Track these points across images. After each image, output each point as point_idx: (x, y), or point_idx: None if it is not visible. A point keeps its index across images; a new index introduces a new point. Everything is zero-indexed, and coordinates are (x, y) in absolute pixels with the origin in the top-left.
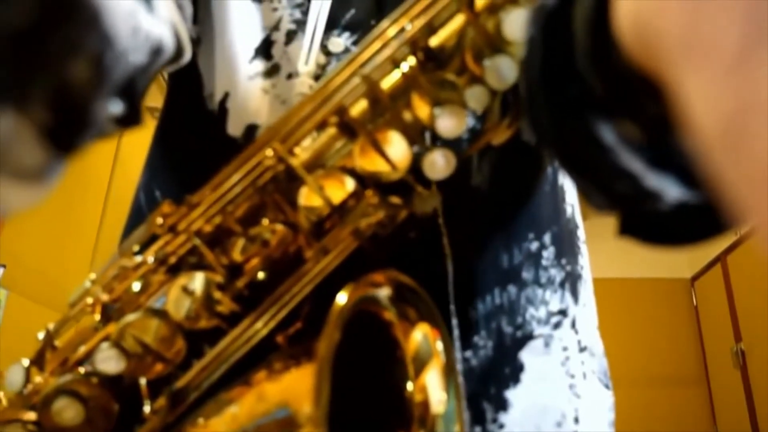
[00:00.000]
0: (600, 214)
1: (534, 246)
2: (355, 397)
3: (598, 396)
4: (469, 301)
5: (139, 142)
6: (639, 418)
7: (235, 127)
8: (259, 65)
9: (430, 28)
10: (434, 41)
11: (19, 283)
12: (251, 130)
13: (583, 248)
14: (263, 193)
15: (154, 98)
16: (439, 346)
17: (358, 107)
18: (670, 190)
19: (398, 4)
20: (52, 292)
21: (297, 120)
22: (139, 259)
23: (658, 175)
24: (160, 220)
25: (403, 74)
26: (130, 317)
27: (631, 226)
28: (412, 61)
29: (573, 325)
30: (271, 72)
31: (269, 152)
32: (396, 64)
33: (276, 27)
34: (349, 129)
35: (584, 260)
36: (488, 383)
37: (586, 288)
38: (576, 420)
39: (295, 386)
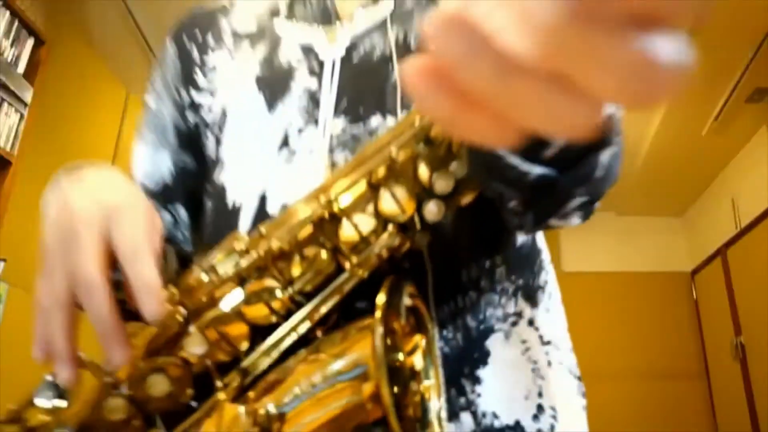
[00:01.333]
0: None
1: (487, 264)
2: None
3: (565, 381)
4: (439, 304)
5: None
6: (638, 411)
7: (272, 207)
8: (284, 154)
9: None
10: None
11: (19, 278)
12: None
13: (548, 268)
14: (317, 227)
15: None
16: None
17: (380, 172)
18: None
19: (377, 96)
20: None
21: (334, 181)
22: (219, 269)
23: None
24: (239, 244)
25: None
26: (213, 312)
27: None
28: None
29: (531, 323)
30: (290, 156)
31: (322, 199)
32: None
33: (290, 124)
34: (374, 187)
35: (548, 276)
36: (462, 365)
37: (551, 298)
38: (540, 395)
39: (358, 351)
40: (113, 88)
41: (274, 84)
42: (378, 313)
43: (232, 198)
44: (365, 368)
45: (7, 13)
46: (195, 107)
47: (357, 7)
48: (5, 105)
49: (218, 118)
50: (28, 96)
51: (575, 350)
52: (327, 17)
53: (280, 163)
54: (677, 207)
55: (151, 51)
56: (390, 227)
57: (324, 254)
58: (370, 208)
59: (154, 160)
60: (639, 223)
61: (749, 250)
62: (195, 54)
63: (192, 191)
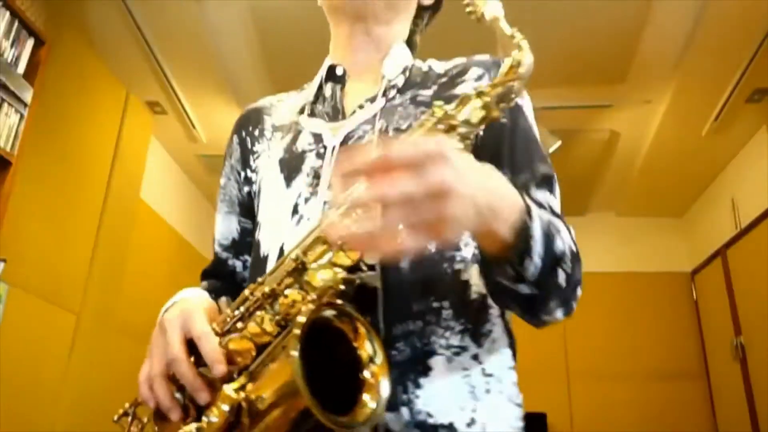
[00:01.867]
0: (599, 211)
1: (435, 304)
2: (328, 358)
3: (503, 407)
4: (392, 324)
5: (138, 141)
6: (638, 411)
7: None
8: (295, 218)
9: None
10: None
11: (19, 278)
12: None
13: (497, 321)
14: (293, 275)
15: (155, 93)
16: (368, 336)
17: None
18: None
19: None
20: (52, 287)
21: (308, 243)
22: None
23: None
24: (248, 293)
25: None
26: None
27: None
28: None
29: (475, 358)
30: (299, 219)
31: (293, 256)
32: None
33: (299, 196)
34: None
35: (495, 328)
36: (408, 371)
37: (495, 344)
38: (474, 411)
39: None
40: (113, 89)
41: (291, 165)
42: (296, 332)
43: (263, 250)
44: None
45: (7, 13)
46: (249, 182)
47: (357, 105)
48: (5, 105)
49: (258, 190)
50: (28, 96)
51: (575, 350)
52: (336, 114)
53: (293, 225)
54: (677, 207)
55: (151, 51)
56: (341, 271)
57: (296, 292)
58: (327, 258)
59: (226, 224)
60: (639, 224)
61: (749, 251)
62: (248, 144)
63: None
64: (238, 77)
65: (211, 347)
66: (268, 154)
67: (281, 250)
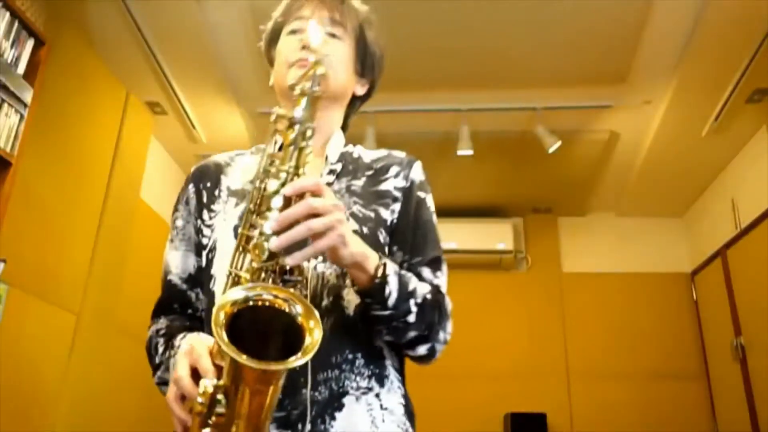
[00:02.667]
0: (599, 211)
1: (350, 355)
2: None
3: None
4: (316, 372)
5: (138, 142)
6: (639, 411)
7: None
8: None
9: None
10: None
11: (19, 278)
12: None
13: (391, 368)
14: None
15: (155, 93)
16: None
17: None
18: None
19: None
20: (52, 287)
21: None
22: None
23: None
24: None
25: None
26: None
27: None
28: None
29: (377, 396)
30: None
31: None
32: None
33: None
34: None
35: (391, 372)
36: (326, 408)
37: (393, 384)
38: None
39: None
40: (113, 89)
41: None
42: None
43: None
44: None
45: (7, 13)
46: (201, 232)
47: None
48: (5, 106)
49: (211, 246)
50: (28, 97)
51: (575, 350)
52: None
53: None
54: (677, 208)
55: (151, 51)
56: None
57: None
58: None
59: (184, 261)
60: (639, 224)
61: (749, 251)
62: (204, 199)
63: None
64: (238, 77)
65: (205, 361)
66: (224, 216)
67: None
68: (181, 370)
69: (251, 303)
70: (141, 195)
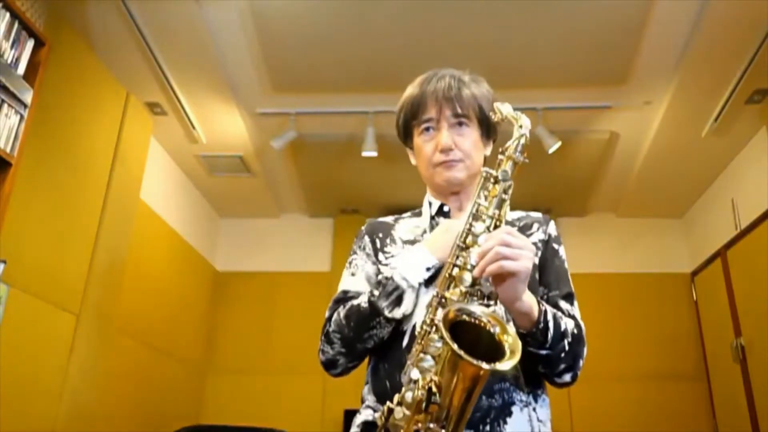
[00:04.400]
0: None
1: (516, 373)
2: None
3: None
4: (493, 383)
5: (138, 142)
6: (639, 411)
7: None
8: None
9: None
10: None
11: (19, 279)
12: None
13: (543, 389)
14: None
15: (155, 94)
16: (498, 323)
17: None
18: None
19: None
20: (52, 288)
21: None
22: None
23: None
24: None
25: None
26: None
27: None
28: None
29: (534, 410)
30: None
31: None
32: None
33: (437, 294)
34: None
35: (543, 390)
36: (499, 414)
37: (544, 401)
38: None
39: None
40: (113, 90)
41: None
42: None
43: (402, 327)
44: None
45: (7, 14)
46: (379, 271)
47: None
48: (5, 106)
49: None
50: (28, 97)
51: None
52: None
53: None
54: (677, 208)
55: (151, 52)
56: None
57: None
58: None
59: (357, 285)
60: (639, 225)
61: (749, 251)
62: (378, 245)
63: None
64: (238, 77)
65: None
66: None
67: (413, 328)
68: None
69: (466, 316)
70: (141, 195)
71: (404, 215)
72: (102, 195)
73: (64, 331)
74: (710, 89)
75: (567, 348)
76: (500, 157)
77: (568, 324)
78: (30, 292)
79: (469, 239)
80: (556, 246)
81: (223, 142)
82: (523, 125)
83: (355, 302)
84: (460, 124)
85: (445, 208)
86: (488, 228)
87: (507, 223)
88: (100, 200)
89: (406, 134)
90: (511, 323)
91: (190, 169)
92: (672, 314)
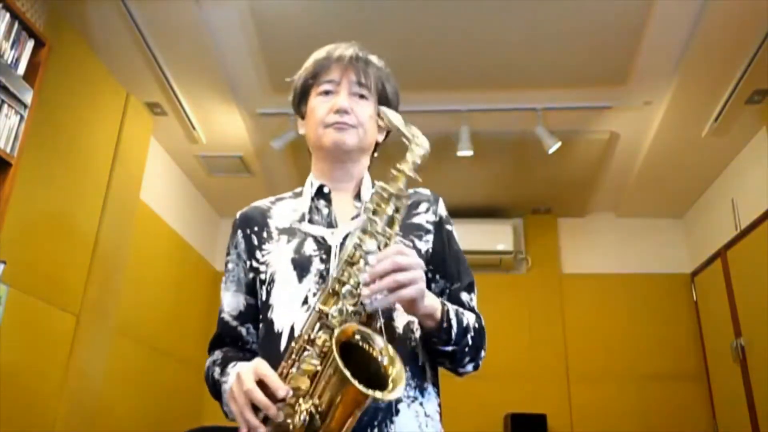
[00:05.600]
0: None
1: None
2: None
3: None
4: None
5: (138, 142)
6: (639, 413)
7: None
8: (305, 307)
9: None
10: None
11: (19, 280)
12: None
13: (430, 381)
14: (320, 324)
15: (155, 94)
16: (384, 348)
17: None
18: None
19: None
20: (52, 288)
21: (322, 298)
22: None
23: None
24: (292, 345)
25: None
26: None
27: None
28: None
29: (421, 405)
30: (308, 308)
31: (317, 309)
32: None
33: (309, 290)
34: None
35: (429, 385)
36: (387, 414)
37: (430, 394)
38: None
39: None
40: (113, 90)
41: (301, 265)
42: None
43: (277, 327)
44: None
45: (8, 15)
46: (256, 271)
47: (345, 221)
48: (5, 107)
49: (269, 280)
50: (28, 98)
51: (576, 351)
52: (329, 225)
53: (302, 312)
54: (677, 209)
55: (151, 52)
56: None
57: (325, 335)
58: (338, 308)
59: (235, 300)
60: (639, 225)
61: (749, 252)
62: (254, 241)
63: (255, 317)
64: (238, 78)
65: (274, 378)
66: (278, 253)
67: (292, 329)
68: (249, 383)
69: (356, 338)
70: (141, 196)
71: (285, 195)
72: (102, 195)
73: (64, 331)
74: (710, 89)
75: (470, 342)
76: (394, 172)
77: (470, 319)
78: (30, 293)
79: (357, 254)
80: (449, 228)
81: (223, 143)
82: (420, 145)
83: (215, 374)
84: (361, 96)
85: (325, 189)
86: (378, 247)
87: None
88: (100, 200)
89: (302, 97)
90: (399, 360)
91: (190, 170)
92: (672, 314)
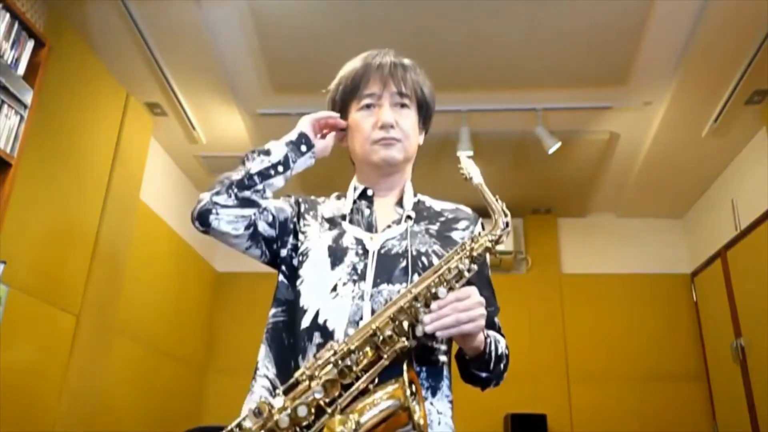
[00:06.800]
0: (599, 212)
1: (417, 368)
2: None
3: (447, 429)
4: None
5: (138, 143)
6: (639, 413)
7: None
8: (332, 294)
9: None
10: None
11: (19, 280)
12: (325, 322)
13: (445, 382)
14: (370, 340)
15: (155, 95)
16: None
17: (397, 314)
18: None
19: (390, 274)
20: (52, 289)
21: (377, 317)
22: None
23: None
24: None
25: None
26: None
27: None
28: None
29: (432, 404)
30: (336, 296)
31: (372, 326)
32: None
33: (339, 279)
34: (393, 320)
35: (444, 385)
36: None
37: (443, 394)
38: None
39: (391, 395)
40: (113, 90)
41: (336, 254)
42: (405, 374)
43: (302, 302)
44: (399, 401)
45: (8, 15)
46: (294, 232)
47: (386, 225)
48: (5, 107)
49: (302, 251)
50: (28, 98)
51: (575, 352)
52: (370, 227)
53: (330, 298)
54: (677, 209)
55: (151, 53)
56: (402, 339)
57: (371, 351)
58: (390, 329)
59: (279, 205)
60: (639, 225)
61: (749, 252)
62: (302, 210)
63: (268, 237)
64: (238, 78)
65: (329, 113)
66: (319, 234)
67: (317, 313)
68: (315, 114)
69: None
70: (141, 196)
71: (331, 196)
72: (102, 195)
73: (64, 332)
74: (710, 89)
75: (501, 369)
76: (481, 241)
77: (501, 346)
78: (30, 293)
79: (425, 294)
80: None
81: (223, 143)
82: (508, 222)
83: (235, 171)
84: (402, 105)
85: (369, 192)
86: (456, 278)
87: (435, 213)
88: (100, 200)
89: (342, 109)
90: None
91: (190, 170)
92: (672, 315)
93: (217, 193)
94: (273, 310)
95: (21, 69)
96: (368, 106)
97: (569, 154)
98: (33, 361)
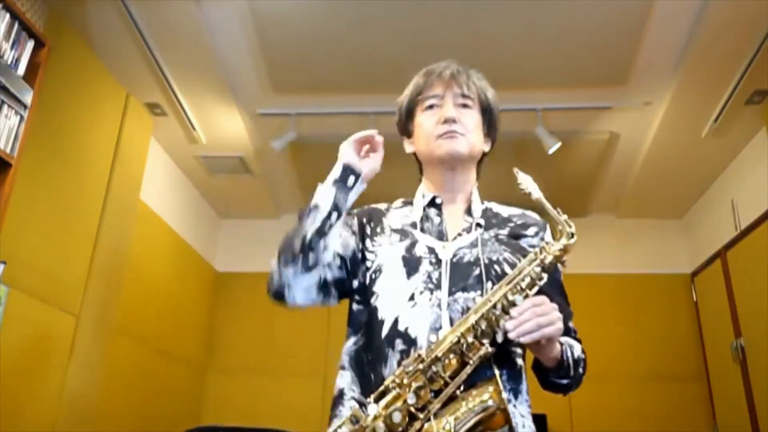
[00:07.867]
0: (599, 212)
1: (498, 371)
2: None
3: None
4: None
5: (138, 143)
6: (639, 413)
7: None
8: (411, 303)
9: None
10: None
11: (19, 280)
12: (407, 329)
13: (524, 384)
14: (454, 348)
15: (155, 95)
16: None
17: (479, 323)
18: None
19: (464, 282)
20: (52, 289)
21: (458, 326)
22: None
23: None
24: (392, 381)
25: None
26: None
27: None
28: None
29: (515, 406)
30: (414, 304)
31: (457, 332)
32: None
33: (416, 288)
34: (474, 328)
35: (523, 387)
36: None
37: (523, 396)
38: None
39: (485, 397)
40: (113, 90)
41: (411, 263)
42: (497, 377)
43: (380, 315)
44: (491, 403)
45: (8, 15)
46: (363, 255)
47: (456, 233)
48: (5, 107)
49: (375, 269)
50: (28, 98)
51: None
52: (441, 236)
53: (408, 307)
54: (677, 209)
55: (151, 53)
56: (485, 345)
57: (455, 358)
58: (472, 336)
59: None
60: (639, 226)
61: (749, 252)
62: (368, 231)
63: (339, 280)
64: (238, 78)
65: (364, 132)
66: (390, 247)
67: (395, 321)
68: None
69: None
70: (141, 196)
71: (395, 204)
72: (102, 195)
73: (64, 332)
74: (710, 89)
75: (580, 372)
76: (552, 250)
77: (577, 350)
78: (30, 293)
79: (503, 302)
80: (560, 266)
81: (223, 143)
82: (574, 233)
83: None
84: (465, 106)
85: (438, 200)
86: (530, 286)
87: (503, 219)
88: (100, 200)
89: (408, 116)
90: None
91: (190, 170)
92: (672, 315)
93: (285, 265)
94: (352, 339)
95: (21, 69)
96: (431, 107)
97: (569, 154)
98: (33, 361)
